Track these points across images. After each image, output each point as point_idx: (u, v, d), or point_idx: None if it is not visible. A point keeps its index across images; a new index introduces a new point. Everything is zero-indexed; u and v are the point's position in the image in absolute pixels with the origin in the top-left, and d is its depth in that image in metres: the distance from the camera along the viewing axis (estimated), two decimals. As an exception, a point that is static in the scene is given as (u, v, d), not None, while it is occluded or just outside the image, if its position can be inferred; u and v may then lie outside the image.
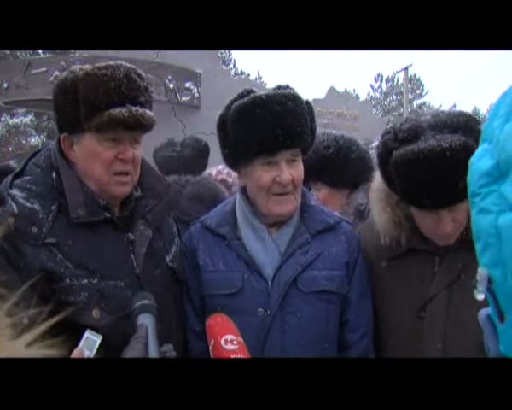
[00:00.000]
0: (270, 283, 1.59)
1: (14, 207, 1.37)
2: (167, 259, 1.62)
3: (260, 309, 1.58)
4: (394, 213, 1.64)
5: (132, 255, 1.51)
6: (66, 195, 1.44)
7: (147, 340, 1.24)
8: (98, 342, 1.24)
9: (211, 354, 1.34)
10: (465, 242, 1.47)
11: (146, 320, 1.29)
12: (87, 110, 1.40)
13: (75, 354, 1.19)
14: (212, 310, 1.57)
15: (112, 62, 1.45)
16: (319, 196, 2.18)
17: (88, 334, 1.25)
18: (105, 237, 1.48)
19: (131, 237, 1.52)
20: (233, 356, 1.28)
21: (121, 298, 1.43)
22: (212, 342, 1.35)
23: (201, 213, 1.88)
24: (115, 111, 1.39)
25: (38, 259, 1.35)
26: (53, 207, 1.42)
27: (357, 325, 1.67)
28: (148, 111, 1.47)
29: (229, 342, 1.32)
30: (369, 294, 1.72)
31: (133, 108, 1.42)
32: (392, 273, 1.68)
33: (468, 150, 1.32)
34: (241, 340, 1.35)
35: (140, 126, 1.46)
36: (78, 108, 1.40)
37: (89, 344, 1.24)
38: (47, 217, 1.40)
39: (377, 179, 1.72)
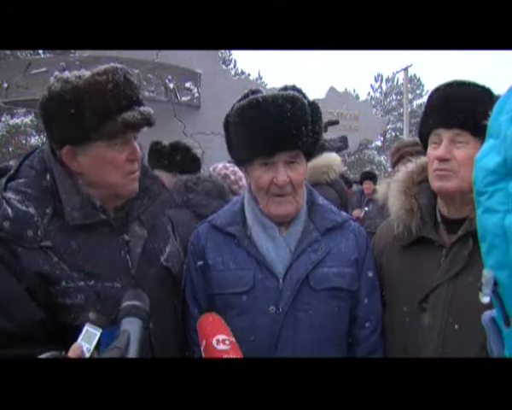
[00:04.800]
0: (281, 281, 1.60)
1: (9, 210, 1.36)
2: (162, 258, 1.61)
3: (272, 307, 1.58)
4: (407, 200, 1.70)
5: (128, 256, 1.50)
6: (61, 197, 1.43)
7: (126, 352, 1.15)
8: (98, 335, 1.21)
9: (202, 354, 1.33)
10: (473, 232, 1.47)
11: (131, 327, 1.21)
12: (97, 119, 1.37)
13: (73, 348, 1.18)
14: (221, 309, 1.57)
15: (107, 66, 1.42)
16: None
17: (87, 327, 1.22)
18: (100, 238, 1.47)
19: (126, 237, 1.52)
20: (225, 356, 1.27)
21: (118, 299, 1.40)
22: (204, 342, 1.33)
23: (218, 208, 1.93)
24: (127, 115, 1.39)
25: (34, 262, 1.34)
26: (48, 210, 1.41)
27: (367, 321, 1.69)
28: (147, 107, 1.47)
29: (220, 343, 1.31)
30: (378, 290, 1.73)
31: (141, 109, 1.43)
32: (402, 263, 1.71)
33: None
34: (233, 340, 1.34)
35: (148, 125, 1.48)
36: (83, 118, 1.37)
37: (88, 337, 1.21)
38: (42, 220, 1.39)
39: (399, 173, 1.80)
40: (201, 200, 2.49)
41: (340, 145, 2.66)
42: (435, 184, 1.61)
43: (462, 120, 1.54)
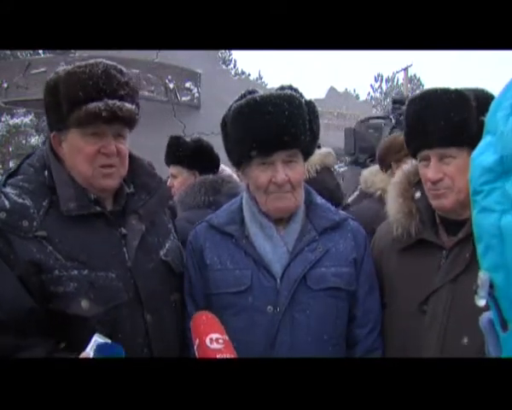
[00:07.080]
0: (278, 280, 1.60)
1: (6, 202, 1.41)
2: (161, 253, 1.62)
3: (269, 307, 1.58)
4: (405, 203, 1.68)
5: (124, 249, 1.53)
6: (57, 189, 1.47)
7: None
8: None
9: (196, 353, 1.32)
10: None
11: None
12: (67, 107, 1.44)
13: (81, 357, 1.19)
14: (219, 308, 1.56)
15: (92, 61, 1.48)
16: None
17: (96, 337, 1.23)
18: (97, 231, 1.50)
19: (124, 231, 1.54)
20: (218, 355, 1.26)
21: (111, 289, 1.45)
22: (197, 341, 1.32)
23: None
24: (92, 105, 1.43)
25: (28, 251, 1.37)
26: (44, 203, 1.45)
27: (365, 320, 1.69)
28: (127, 104, 1.49)
29: (214, 341, 1.30)
30: (377, 289, 1.73)
31: (110, 102, 1.45)
32: (401, 265, 1.70)
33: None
34: (227, 338, 1.33)
35: (118, 119, 1.48)
36: (60, 105, 1.46)
37: None
38: (38, 211, 1.43)
39: (397, 174, 1.78)
40: (226, 202, 2.46)
41: None
42: (433, 202, 1.61)
43: (442, 139, 1.53)
